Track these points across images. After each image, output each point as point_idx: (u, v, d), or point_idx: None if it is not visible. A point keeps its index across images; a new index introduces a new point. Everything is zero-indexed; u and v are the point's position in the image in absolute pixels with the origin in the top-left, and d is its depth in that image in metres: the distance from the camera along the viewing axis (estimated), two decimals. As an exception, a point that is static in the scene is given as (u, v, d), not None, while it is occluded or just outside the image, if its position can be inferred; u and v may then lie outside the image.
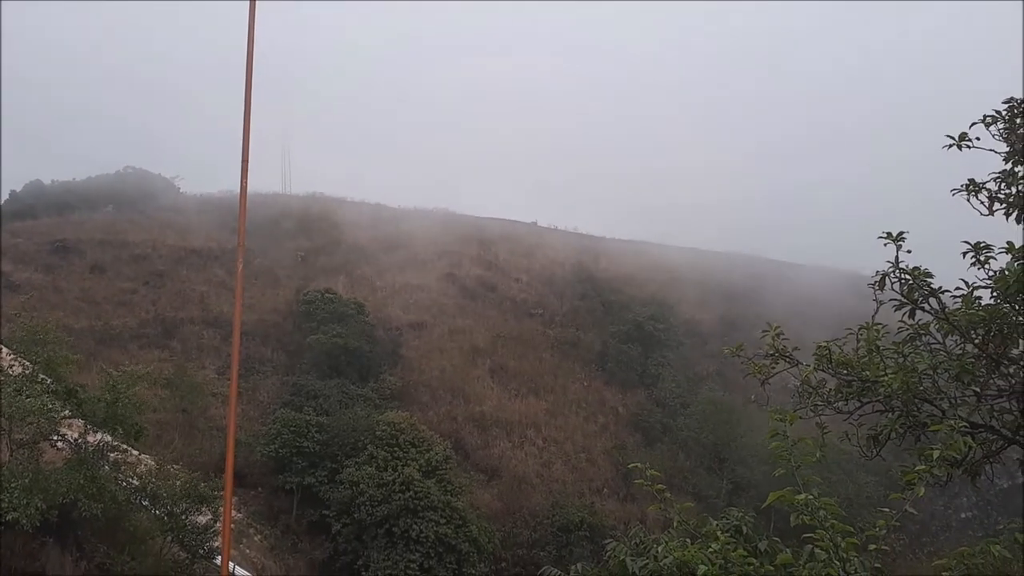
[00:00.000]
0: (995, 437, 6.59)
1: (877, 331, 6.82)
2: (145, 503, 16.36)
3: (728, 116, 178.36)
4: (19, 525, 12.70)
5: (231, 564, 21.28)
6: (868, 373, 6.66)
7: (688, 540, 5.50)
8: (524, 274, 57.53)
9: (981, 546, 5.35)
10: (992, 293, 6.44)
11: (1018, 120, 6.75)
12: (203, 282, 47.47)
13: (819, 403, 7.10)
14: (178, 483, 16.38)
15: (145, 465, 17.63)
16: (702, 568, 4.96)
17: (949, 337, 6.70)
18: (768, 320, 7.78)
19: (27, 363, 15.84)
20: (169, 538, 16.26)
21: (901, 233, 6.66)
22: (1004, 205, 6.77)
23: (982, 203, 6.81)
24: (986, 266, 6.50)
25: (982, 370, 6.50)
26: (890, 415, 6.69)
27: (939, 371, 6.48)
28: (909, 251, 6.68)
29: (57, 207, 59.72)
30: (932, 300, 6.73)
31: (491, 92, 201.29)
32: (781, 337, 7.40)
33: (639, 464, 6.29)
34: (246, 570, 23.53)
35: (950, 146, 6.72)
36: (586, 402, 42.39)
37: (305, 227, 58.10)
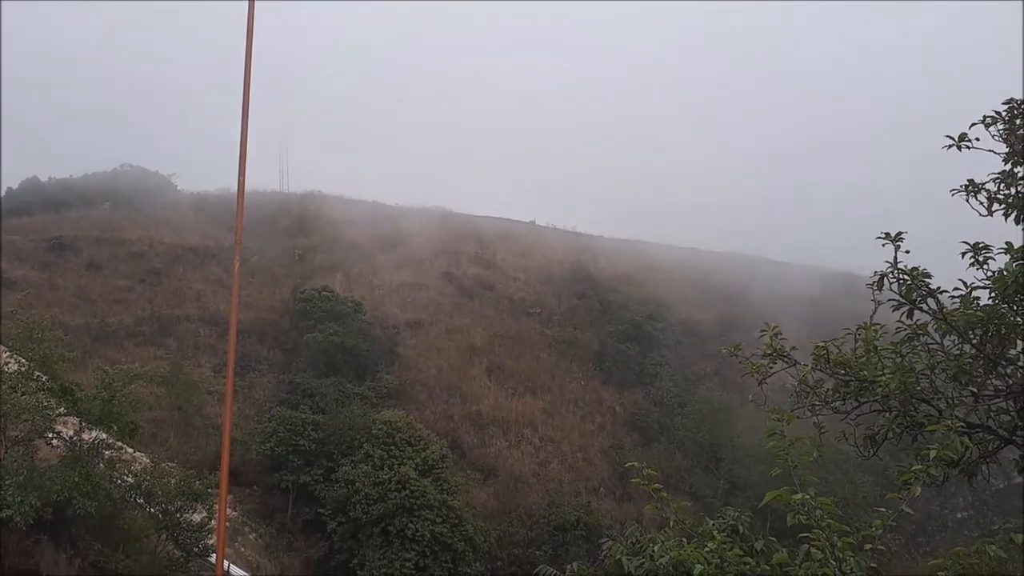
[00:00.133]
0: (992, 437, 6.58)
1: (875, 331, 6.81)
2: (140, 501, 16.31)
3: (728, 116, 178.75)
4: (13, 522, 12.65)
5: (226, 562, 21.25)
6: (866, 373, 6.65)
7: (684, 539, 5.49)
8: (522, 273, 57.52)
9: (977, 546, 5.34)
10: (990, 294, 6.44)
11: (1018, 121, 6.75)
12: (200, 280, 47.39)
13: (816, 403, 7.09)
14: (173, 481, 16.34)
15: (140, 463, 17.58)
16: (698, 568, 4.95)
17: (947, 337, 6.69)
18: (766, 320, 7.77)
19: (23, 360, 15.78)
20: (164, 536, 16.21)
21: (899, 233, 6.65)
22: (1003, 206, 6.76)
23: (981, 204, 6.80)
24: (984, 266, 6.49)
25: (979, 370, 6.49)
26: (887, 415, 6.68)
27: (937, 371, 6.47)
28: (908, 251, 6.67)
29: (54, 204, 59.60)
30: (930, 300, 6.72)
31: (490, 92, 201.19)
32: (779, 337, 7.39)
33: (636, 463, 6.28)
34: (241, 568, 23.49)
35: (949, 147, 6.71)
36: (583, 401, 42.40)
37: (302, 225, 58.04)
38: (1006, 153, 6.80)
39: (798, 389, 7.24)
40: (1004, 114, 6.80)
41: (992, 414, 6.54)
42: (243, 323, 39.57)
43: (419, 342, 44.14)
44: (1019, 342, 6.43)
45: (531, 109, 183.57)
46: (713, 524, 5.70)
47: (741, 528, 5.83)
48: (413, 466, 28.20)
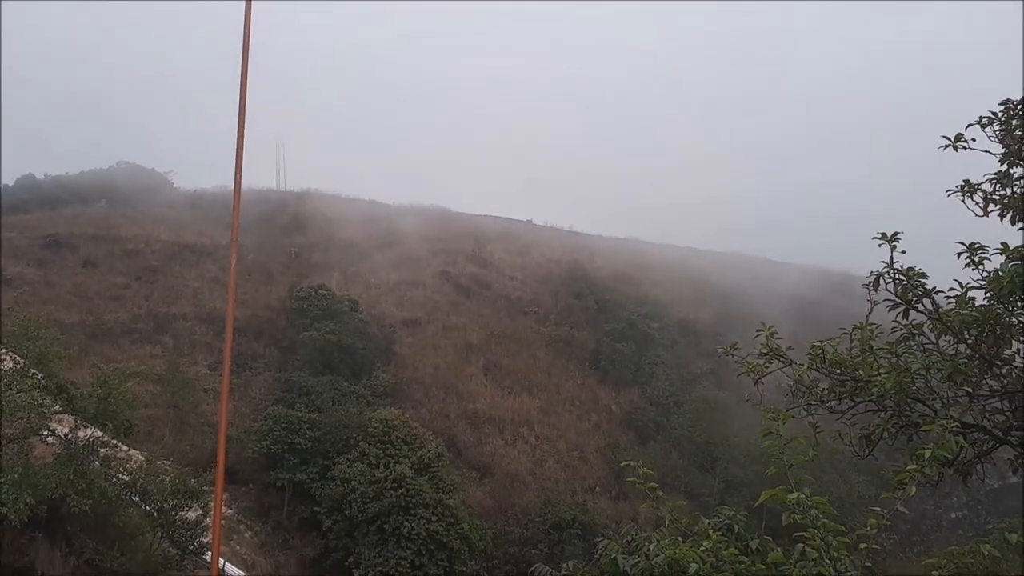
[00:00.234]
0: (986, 437, 6.60)
1: (871, 331, 6.82)
2: (135, 499, 16.27)
3: (727, 116, 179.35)
4: (8, 520, 12.61)
5: (221, 560, 21.22)
6: (861, 373, 6.66)
7: (680, 538, 5.50)
8: (519, 272, 57.53)
9: (971, 545, 5.36)
10: (986, 294, 6.45)
11: (1014, 122, 6.76)
12: (196, 278, 47.31)
13: (812, 402, 7.10)
14: (168, 479, 16.30)
15: (135, 461, 17.54)
16: (693, 566, 4.96)
17: (942, 337, 6.71)
18: (762, 319, 7.78)
19: (18, 358, 15.74)
20: (159, 534, 16.18)
21: (895, 233, 6.66)
22: (999, 206, 6.77)
23: (977, 204, 6.81)
24: (980, 267, 6.51)
25: (975, 370, 6.51)
26: (883, 415, 6.69)
27: (932, 371, 6.49)
28: (904, 251, 6.68)
29: (50, 201, 59.43)
30: (926, 300, 6.73)
31: (489, 92, 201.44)
32: (775, 336, 7.40)
33: (632, 462, 6.28)
34: (236, 567, 23.47)
35: (945, 147, 6.72)
36: (579, 400, 42.42)
37: (299, 223, 57.97)
38: (1002, 154, 6.82)
39: (794, 389, 7.25)
40: (1000, 115, 6.81)
41: (987, 414, 6.55)
42: (239, 321, 39.52)
43: (415, 341, 44.12)
44: (1014, 342, 6.45)
45: (530, 109, 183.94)
46: (709, 523, 5.71)
47: (736, 527, 5.84)
48: (409, 465, 28.20)
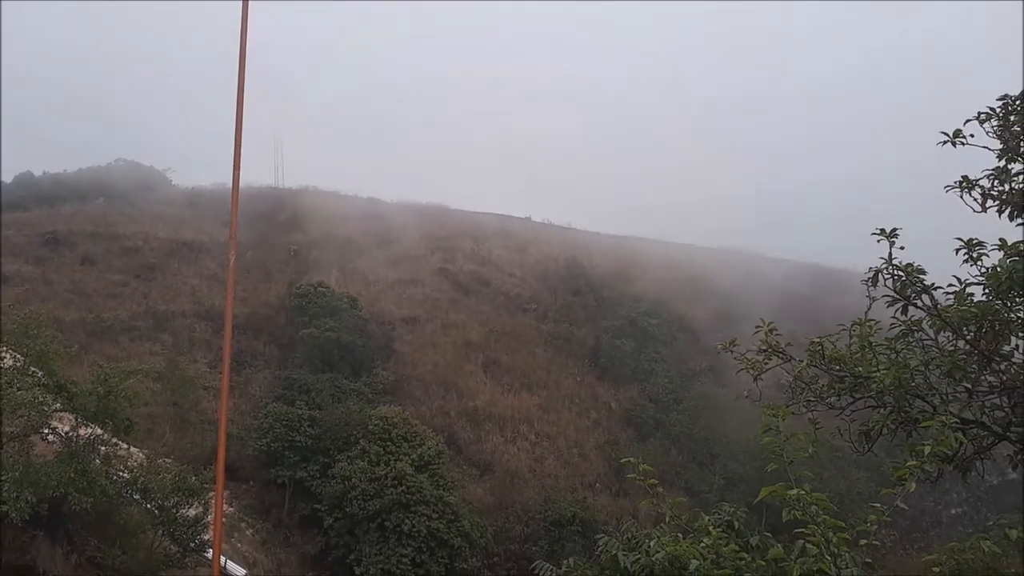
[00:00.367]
0: (986, 433, 6.61)
1: (870, 327, 6.83)
2: (136, 497, 16.29)
3: (726, 116, 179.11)
4: (9, 518, 12.63)
5: (222, 558, 21.25)
6: (860, 369, 6.67)
7: (680, 535, 5.51)
8: (518, 269, 57.53)
9: (971, 541, 5.38)
10: (984, 290, 6.46)
11: (1012, 117, 6.76)
12: (195, 275, 47.28)
13: (811, 399, 7.11)
14: (169, 477, 16.32)
15: (136, 459, 17.56)
16: (694, 563, 4.97)
17: (941, 333, 6.72)
18: (761, 316, 7.79)
19: (18, 356, 15.74)
20: (160, 532, 16.20)
21: (894, 230, 6.67)
22: (997, 202, 6.78)
23: (975, 200, 6.82)
24: (978, 263, 6.52)
25: (974, 366, 6.52)
26: (882, 411, 6.70)
27: (931, 367, 6.50)
28: (903, 247, 6.69)
29: (48, 199, 59.33)
30: (925, 296, 6.74)
31: (489, 92, 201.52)
32: (774, 333, 7.41)
33: (632, 459, 6.29)
34: (238, 564, 23.50)
35: (944, 142, 6.72)
36: (579, 397, 42.46)
37: (297, 221, 57.91)
38: (1000, 149, 6.82)
39: (793, 385, 7.26)
40: (998, 110, 6.81)
41: (986, 410, 6.56)
42: (239, 319, 39.52)
43: (415, 338, 44.13)
44: (1013, 338, 6.46)
45: (530, 109, 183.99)
46: (709, 520, 5.73)
47: (737, 524, 5.85)
48: (409, 462, 28.22)
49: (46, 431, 14.83)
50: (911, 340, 6.82)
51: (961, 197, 6.83)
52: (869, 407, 6.92)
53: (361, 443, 29.22)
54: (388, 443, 29.23)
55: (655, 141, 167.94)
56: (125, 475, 16.06)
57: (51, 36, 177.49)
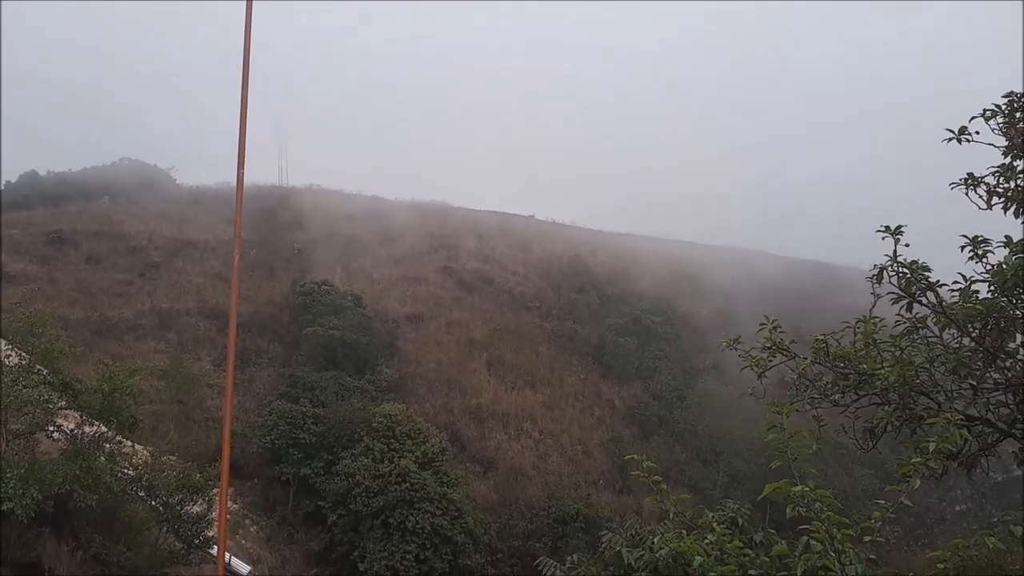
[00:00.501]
0: (991, 430, 6.61)
1: (874, 324, 6.83)
2: (141, 494, 16.34)
3: (728, 115, 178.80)
4: (15, 515, 12.67)
5: (227, 555, 21.32)
6: (865, 366, 6.67)
7: (684, 532, 5.52)
8: (521, 267, 57.51)
9: (976, 538, 5.38)
10: (989, 287, 6.45)
11: (1017, 114, 6.75)
12: (199, 274, 47.35)
13: (816, 396, 7.11)
14: (173, 474, 16.37)
15: (140, 456, 17.61)
16: (698, 559, 4.98)
17: (946, 331, 6.72)
18: (765, 314, 7.79)
19: (24, 354, 15.80)
20: (165, 529, 16.25)
21: (899, 227, 6.66)
22: (1002, 199, 6.77)
23: (980, 197, 6.81)
24: (984, 260, 6.51)
25: (979, 363, 6.52)
26: (886, 408, 6.70)
27: (936, 364, 6.50)
28: (907, 245, 6.68)
29: (52, 198, 59.44)
30: (929, 294, 6.73)
31: (490, 91, 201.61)
32: (778, 330, 7.41)
33: (636, 456, 6.30)
34: (242, 560, 23.56)
35: (949, 140, 6.71)
36: (583, 395, 42.47)
37: (301, 219, 57.96)
38: (1005, 147, 6.81)
39: (797, 382, 7.26)
40: (1004, 108, 6.80)
41: (991, 407, 6.56)
42: (243, 317, 39.58)
43: (419, 336, 44.17)
44: (1018, 335, 6.45)
45: (531, 108, 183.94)
46: (713, 516, 5.74)
47: (740, 520, 5.86)
48: (413, 459, 28.26)
49: (51, 428, 14.88)
50: (916, 337, 6.82)
51: (967, 194, 6.82)
52: (873, 404, 6.92)
53: (365, 440, 29.26)
54: (392, 440, 29.27)
55: (656, 140, 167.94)
56: (130, 472, 16.10)
57: (51, 36, 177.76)
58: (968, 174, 6.81)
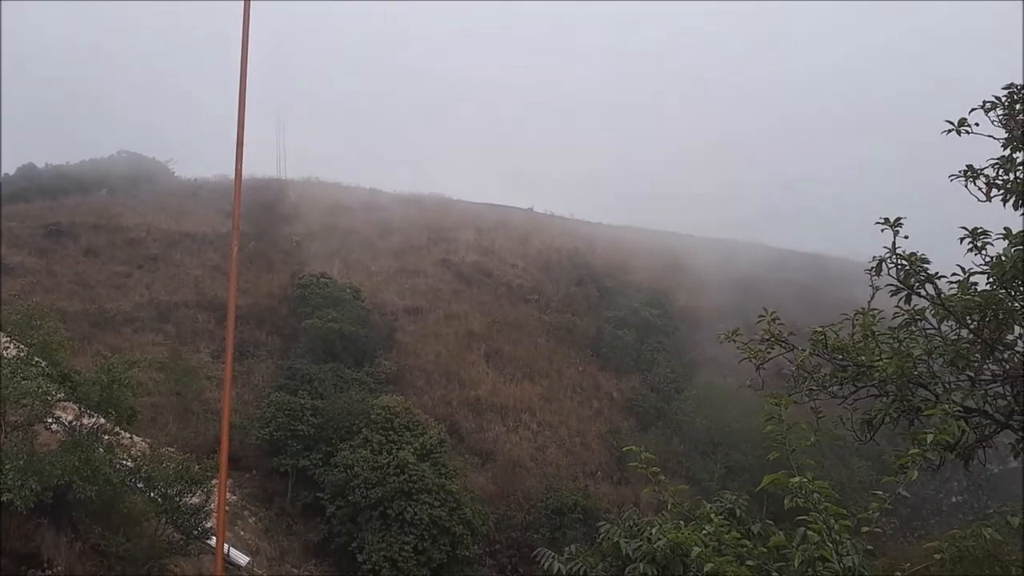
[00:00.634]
0: (988, 422, 6.62)
1: (873, 316, 6.83)
2: (139, 485, 16.37)
3: (729, 111, 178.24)
4: (14, 506, 12.69)
5: (226, 546, 21.37)
6: (863, 358, 6.68)
7: (682, 522, 5.54)
8: (520, 260, 57.49)
9: (972, 529, 5.40)
10: (988, 279, 6.45)
11: (1017, 106, 6.73)
12: (197, 266, 47.29)
13: (814, 388, 7.12)
14: (172, 466, 16.39)
15: (139, 448, 17.64)
16: (696, 550, 4.99)
17: (945, 323, 6.72)
18: (764, 306, 7.79)
19: (22, 346, 15.79)
20: (164, 520, 16.28)
21: (899, 219, 6.66)
22: (1002, 191, 6.76)
23: (980, 189, 6.80)
24: (982, 252, 6.51)
25: (977, 355, 6.53)
26: (885, 400, 6.72)
27: (934, 356, 6.51)
28: (906, 237, 6.68)
29: (50, 191, 59.31)
30: (928, 286, 6.74)
31: (491, 86, 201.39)
32: (777, 322, 7.42)
33: (634, 447, 6.31)
34: (241, 551, 23.62)
35: (949, 131, 6.70)
36: (581, 387, 42.52)
37: (300, 212, 57.89)
38: (1005, 138, 6.80)
39: (796, 374, 7.27)
40: (1004, 99, 6.78)
41: (989, 399, 6.57)
42: (241, 309, 39.54)
43: (417, 328, 44.18)
44: (1016, 327, 6.46)
45: (530, 106, 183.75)
46: (711, 507, 5.76)
47: (738, 511, 5.89)
48: (411, 451, 28.31)
49: (50, 420, 14.88)
50: (914, 329, 6.83)
51: (966, 186, 6.82)
52: (872, 396, 6.93)
53: (363, 432, 29.31)
54: (390, 432, 29.32)
55: (655, 136, 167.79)
56: (129, 464, 16.13)
57: (50, 36, 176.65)
58: (967, 166, 6.80)
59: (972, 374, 6.58)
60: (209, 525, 16.74)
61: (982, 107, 6.79)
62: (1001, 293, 6.36)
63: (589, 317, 49.29)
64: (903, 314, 6.89)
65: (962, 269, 6.56)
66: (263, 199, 56.65)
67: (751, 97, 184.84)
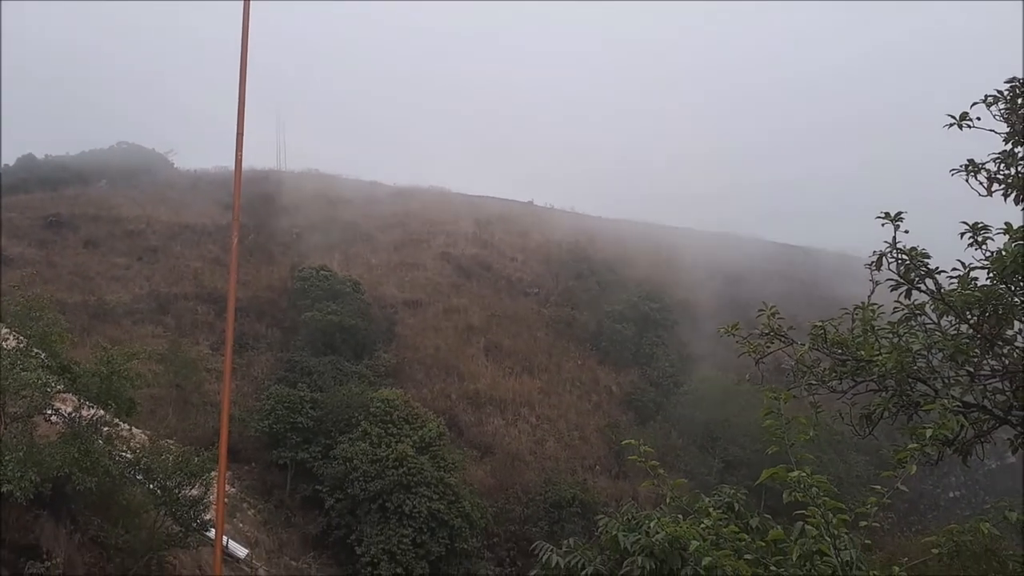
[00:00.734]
0: (987, 417, 6.62)
1: (872, 311, 6.82)
2: (139, 477, 16.39)
3: (729, 110, 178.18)
4: (14, 498, 12.71)
5: (225, 538, 21.42)
6: (863, 353, 6.67)
7: (680, 516, 5.54)
8: (520, 253, 57.45)
9: (970, 523, 5.40)
10: (988, 274, 6.44)
11: (1019, 100, 6.71)
12: (197, 258, 47.28)
13: (813, 382, 7.12)
14: (171, 458, 16.41)
15: (138, 440, 17.65)
16: (694, 544, 5.00)
17: (944, 317, 6.72)
18: (763, 300, 7.78)
19: (22, 337, 15.78)
20: (163, 512, 16.31)
21: (899, 213, 6.64)
22: (1003, 186, 6.74)
23: (981, 184, 6.78)
24: (983, 247, 6.50)
25: (976, 350, 6.52)
26: (884, 394, 6.71)
27: (933, 351, 6.50)
28: (907, 231, 6.67)
29: (50, 182, 59.19)
30: (928, 280, 6.72)
31: (493, 83, 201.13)
32: (776, 317, 7.41)
33: (633, 440, 6.31)
34: (240, 544, 23.68)
35: (950, 125, 6.68)
36: (580, 381, 42.56)
37: (300, 204, 57.81)
38: (1007, 133, 6.77)
39: (795, 369, 7.27)
40: (1006, 94, 6.76)
41: (988, 394, 6.56)
42: (241, 301, 39.52)
43: (417, 321, 44.18)
44: (1016, 322, 6.46)
45: (531, 105, 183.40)
46: (709, 501, 5.76)
47: (737, 505, 5.89)
48: (411, 444, 28.34)
49: (49, 412, 14.90)
50: (914, 324, 6.82)
51: (967, 180, 6.80)
52: (871, 391, 6.93)
53: (363, 425, 29.34)
54: (389, 425, 29.34)
55: (655, 135, 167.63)
56: (128, 456, 16.14)
57: (49, 36, 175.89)
58: (968, 160, 6.78)
59: (971, 369, 6.57)
60: (208, 517, 16.77)
61: (984, 101, 6.77)
62: (1001, 288, 6.36)
63: (588, 311, 49.30)
64: (903, 309, 6.88)
65: (962, 264, 6.55)
66: (263, 191, 56.57)
67: (751, 98, 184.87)
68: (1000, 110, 6.76)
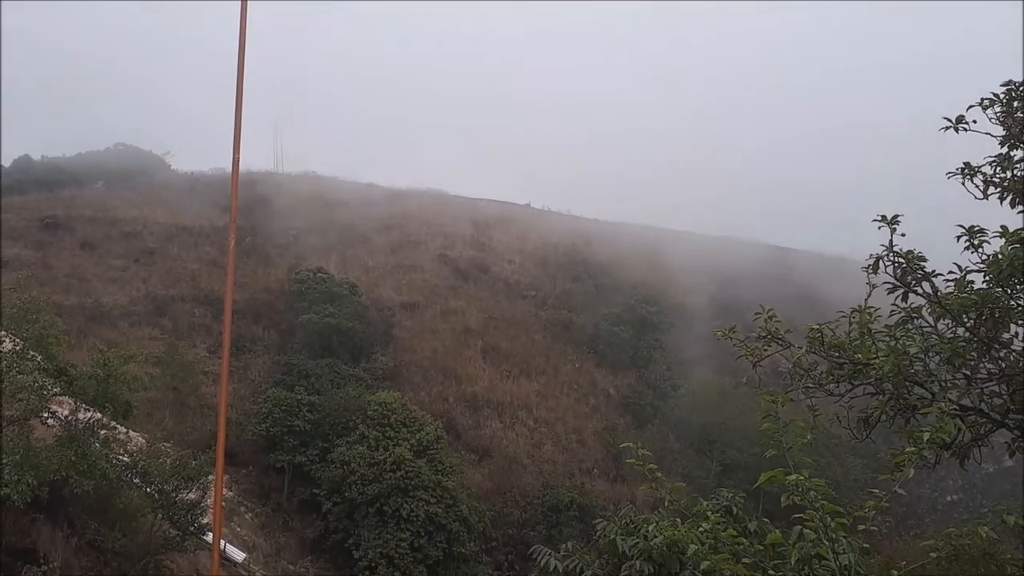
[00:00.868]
0: (984, 420, 6.63)
1: (870, 314, 6.83)
2: (136, 481, 16.33)
3: (728, 114, 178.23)
4: (10, 501, 12.65)
5: (222, 542, 21.35)
6: (860, 356, 6.68)
7: (679, 520, 5.54)
8: (517, 256, 57.47)
9: (968, 527, 5.41)
10: (985, 277, 6.46)
11: (1016, 103, 6.73)
12: (194, 260, 47.22)
13: (810, 385, 7.12)
14: (168, 461, 16.36)
15: (135, 443, 17.60)
16: (692, 547, 5.00)
17: (941, 321, 6.73)
18: (761, 303, 7.79)
19: (18, 340, 15.74)
20: (160, 515, 16.25)
21: (896, 216, 6.66)
22: (999, 189, 6.76)
23: (977, 187, 6.80)
24: (979, 250, 6.51)
25: (973, 354, 6.53)
26: (881, 398, 6.72)
27: (930, 354, 6.51)
28: (903, 234, 6.68)
29: (46, 183, 59.08)
30: (925, 284, 6.74)
31: (491, 85, 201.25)
32: (773, 320, 7.42)
33: (631, 444, 6.31)
34: (237, 548, 23.61)
35: (946, 128, 6.69)
36: (577, 384, 42.54)
37: (297, 206, 57.77)
38: (1003, 136, 6.80)
39: (792, 372, 7.28)
40: (1002, 96, 6.78)
41: (985, 397, 6.58)
42: (238, 304, 39.51)
43: (414, 324, 44.16)
44: (1013, 325, 6.47)
45: (532, 105, 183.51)
46: (707, 505, 5.76)
47: (735, 509, 5.89)
48: (408, 447, 28.31)
49: (46, 415, 14.84)
50: (911, 327, 6.83)
51: (963, 183, 6.81)
52: (868, 394, 6.94)
53: (360, 428, 29.29)
54: (387, 428, 29.30)
55: (654, 138, 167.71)
56: (125, 459, 16.08)
57: (46, 38, 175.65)
58: (965, 163, 6.80)
59: (968, 372, 6.59)
60: (205, 521, 16.73)
61: (980, 104, 6.79)
62: (998, 291, 6.37)
63: (586, 314, 49.31)
64: (900, 312, 6.89)
65: (959, 267, 6.57)
66: (260, 193, 56.56)
67: (751, 100, 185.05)
68: (996, 113, 6.78)
